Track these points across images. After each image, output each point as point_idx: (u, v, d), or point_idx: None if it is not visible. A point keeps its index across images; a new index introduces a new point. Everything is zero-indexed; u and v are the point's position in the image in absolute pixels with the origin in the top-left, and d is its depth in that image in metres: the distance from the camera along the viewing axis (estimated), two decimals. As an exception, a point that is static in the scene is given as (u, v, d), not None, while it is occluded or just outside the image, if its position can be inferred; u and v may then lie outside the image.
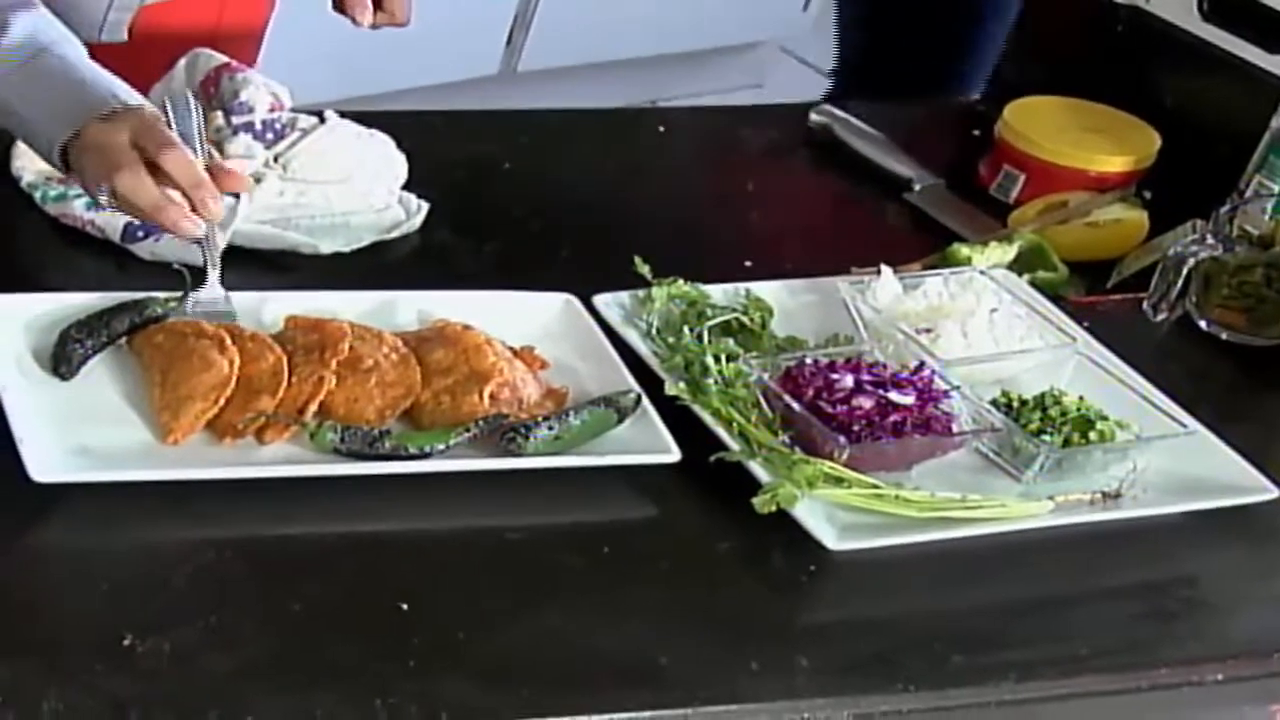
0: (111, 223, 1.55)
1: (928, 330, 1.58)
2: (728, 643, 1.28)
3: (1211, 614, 1.43)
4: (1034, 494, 1.45)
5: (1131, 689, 1.35)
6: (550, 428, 1.39)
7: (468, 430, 1.38)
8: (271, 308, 1.48)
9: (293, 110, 1.65)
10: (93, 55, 1.53)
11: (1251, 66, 1.95)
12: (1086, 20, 2.10)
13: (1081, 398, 1.54)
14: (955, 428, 1.47)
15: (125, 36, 1.75)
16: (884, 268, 1.64)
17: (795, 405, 1.44)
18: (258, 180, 1.60)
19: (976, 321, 1.59)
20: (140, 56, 1.69)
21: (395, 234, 1.67)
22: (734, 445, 1.42)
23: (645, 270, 1.59)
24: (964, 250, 1.75)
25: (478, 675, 1.21)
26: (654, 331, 1.55)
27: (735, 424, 1.43)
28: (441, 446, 1.36)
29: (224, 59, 1.67)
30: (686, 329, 1.53)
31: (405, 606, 1.25)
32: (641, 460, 1.40)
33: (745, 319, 1.57)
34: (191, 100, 1.51)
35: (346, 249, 1.63)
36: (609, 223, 1.79)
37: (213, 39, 1.74)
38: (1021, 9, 2.22)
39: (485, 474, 1.37)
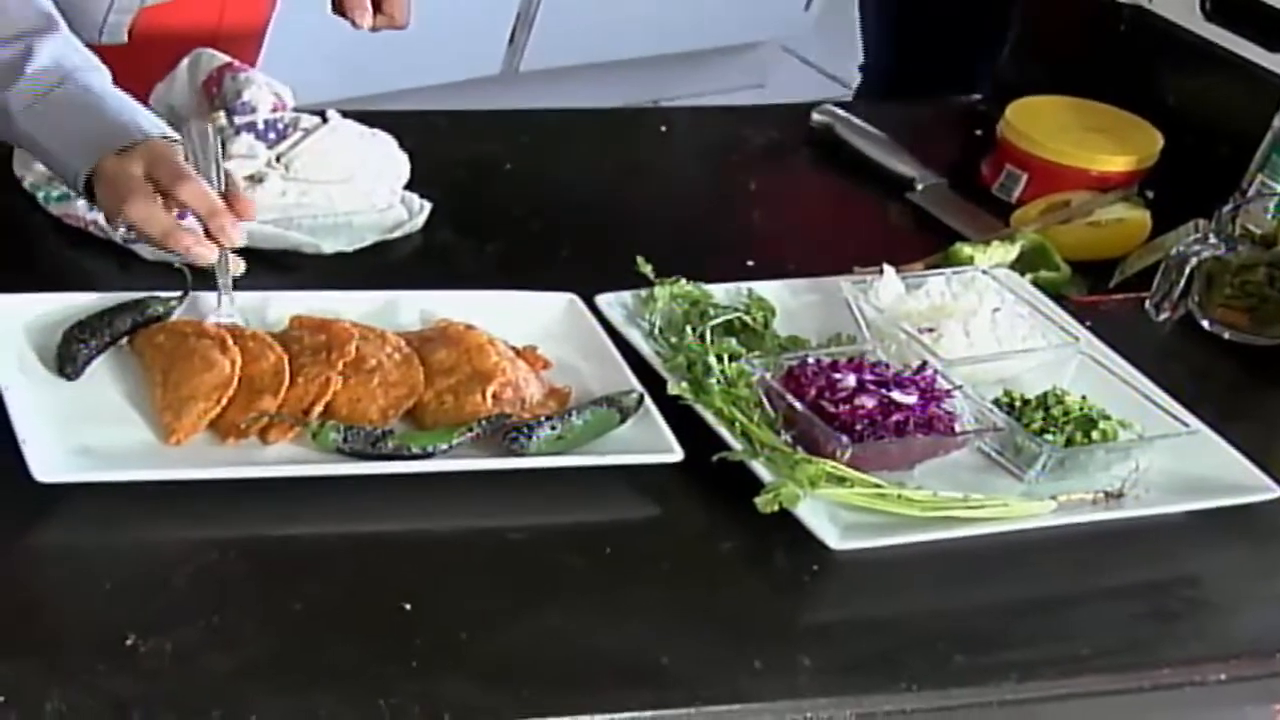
0: (114, 223, 1.55)
1: (930, 330, 1.58)
2: (730, 642, 1.28)
3: (1214, 614, 1.43)
4: (1036, 493, 1.45)
5: (1134, 689, 1.35)
6: (553, 427, 1.39)
7: (470, 430, 1.38)
8: (274, 308, 1.48)
9: (295, 110, 1.65)
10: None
11: (1254, 66, 1.95)
12: (1089, 20, 2.10)
13: (1084, 397, 1.54)
14: (958, 427, 1.46)
15: (125, 38, 1.75)
16: (886, 267, 1.64)
17: (798, 405, 1.44)
18: (260, 180, 1.61)
19: (979, 321, 1.59)
20: (141, 58, 1.69)
21: (398, 234, 1.67)
22: (736, 445, 1.42)
23: (647, 270, 1.59)
24: (966, 250, 1.75)
25: (480, 675, 1.21)
26: (656, 331, 1.55)
27: (738, 423, 1.43)
28: (444, 446, 1.36)
29: (226, 59, 1.67)
30: (689, 328, 1.53)
31: (407, 606, 1.25)
32: (644, 460, 1.40)
33: (747, 318, 1.57)
34: (209, 130, 1.51)
35: (349, 249, 1.63)
36: (611, 222, 1.79)
37: (213, 39, 1.74)
38: (1023, 8, 2.22)
39: (487, 474, 1.37)
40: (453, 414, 1.40)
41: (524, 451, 1.37)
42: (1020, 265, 1.76)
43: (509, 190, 1.82)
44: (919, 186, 1.94)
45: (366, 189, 1.67)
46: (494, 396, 1.41)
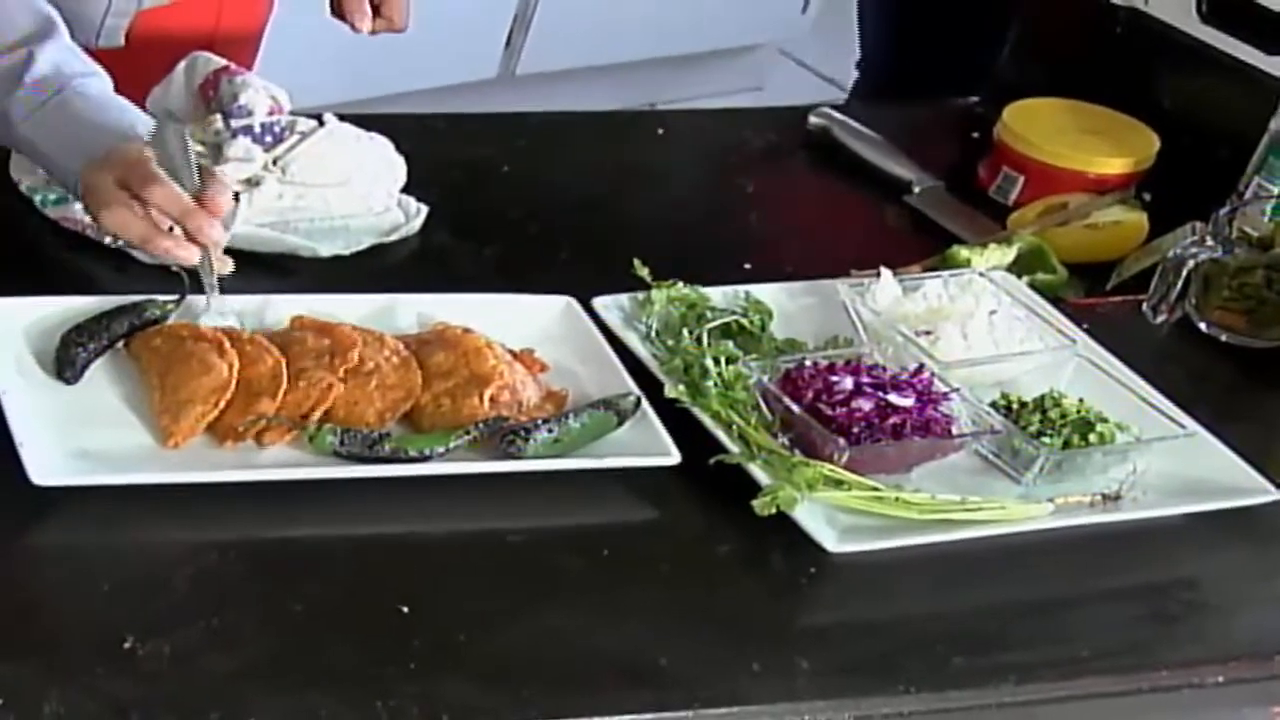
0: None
1: (927, 332, 1.58)
2: (728, 644, 1.28)
3: (1212, 616, 1.43)
4: (1034, 496, 1.45)
5: (1132, 691, 1.35)
6: (550, 430, 1.39)
7: (468, 433, 1.38)
8: (271, 311, 1.48)
9: (292, 113, 1.65)
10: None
11: (1250, 68, 1.95)
12: (1085, 22, 2.10)
13: (1081, 400, 1.54)
14: (955, 430, 1.47)
15: (122, 42, 1.75)
16: (883, 270, 1.64)
17: (795, 407, 1.44)
18: (256, 183, 1.60)
19: (976, 324, 1.59)
20: (138, 61, 1.69)
21: (394, 237, 1.67)
22: (734, 448, 1.42)
23: (645, 273, 1.59)
24: (963, 252, 1.75)
25: (478, 677, 1.21)
26: (653, 334, 1.55)
27: (735, 426, 1.43)
28: (441, 449, 1.36)
29: (223, 62, 1.66)
30: (686, 331, 1.53)
31: (406, 608, 1.25)
32: (641, 463, 1.40)
33: (745, 321, 1.57)
34: (181, 130, 1.50)
35: (346, 252, 1.63)
36: (608, 225, 1.79)
37: (210, 43, 1.74)
38: (1021, 10, 2.22)
39: (485, 476, 1.37)
40: (450, 417, 1.40)
41: (522, 454, 1.37)
42: (1017, 268, 1.76)
43: (506, 193, 1.82)
44: (916, 189, 1.94)
45: (363, 192, 1.67)
46: (491, 399, 1.41)
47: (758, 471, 1.39)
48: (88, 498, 1.28)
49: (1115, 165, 1.94)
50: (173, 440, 1.34)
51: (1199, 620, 1.42)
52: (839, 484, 1.39)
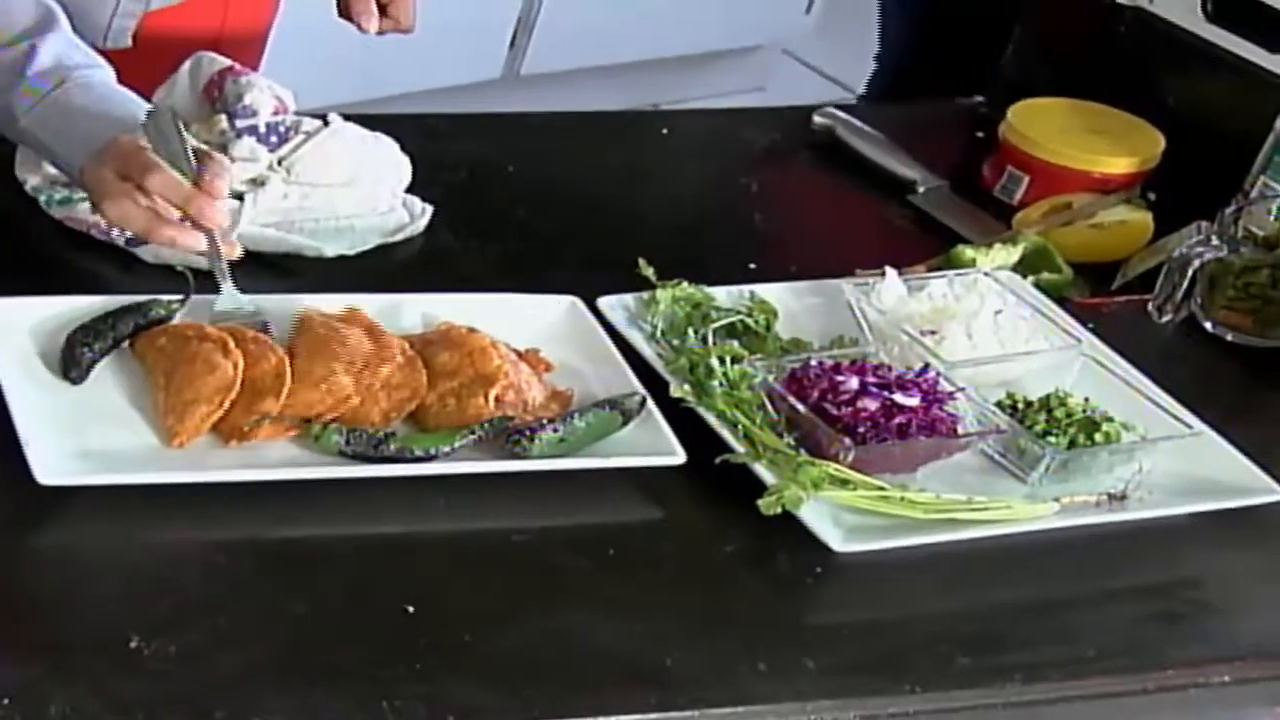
0: (116, 226, 1.55)
1: (932, 332, 1.58)
2: (733, 644, 1.28)
3: (1218, 616, 1.43)
4: (1039, 496, 1.45)
5: (1137, 691, 1.35)
6: (555, 430, 1.39)
7: (473, 433, 1.38)
8: (276, 312, 1.48)
9: (297, 113, 1.65)
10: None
11: (1255, 67, 1.95)
12: (1090, 21, 2.10)
13: (1087, 399, 1.54)
14: (960, 429, 1.46)
15: (130, 43, 1.75)
16: (888, 270, 1.64)
17: (800, 407, 1.44)
18: (261, 184, 1.61)
19: (981, 323, 1.59)
20: (146, 62, 1.69)
21: (399, 237, 1.67)
22: (739, 447, 1.42)
23: (649, 273, 1.59)
24: (968, 252, 1.75)
25: (483, 676, 1.21)
26: (658, 334, 1.55)
27: (740, 426, 1.43)
28: (446, 449, 1.36)
29: (228, 62, 1.66)
30: (691, 331, 1.53)
31: (411, 608, 1.25)
32: (646, 462, 1.40)
33: (750, 321, 1.57)
34: (174, 117, 1.50)
35: (351, 252, 1.63)
36: (613, 225, 1.79)
37: (217, 43, 1.74)
38: (1024, 10, 2.22)
39: (490, 476, 1.37)
40: (455, 417, 1.40)
41: (526, 454, 1.37)
42: (1022, 267, 1.76)
43: (510, 193, 1.82)
44: (920, 189, 1.94)
45: (368, 192, 1.67)
46: (497, 399, 1.41)
47: (763, 471, 1.39)
48: (93, 497, 1.28)
49: (1120, 165, 1.94)
50: (178, 440, 1.34)
51: (1205, 620, 1.42)
52: (844, 483, 1.39)
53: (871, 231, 1.91)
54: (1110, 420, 1.51)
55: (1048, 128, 1.96)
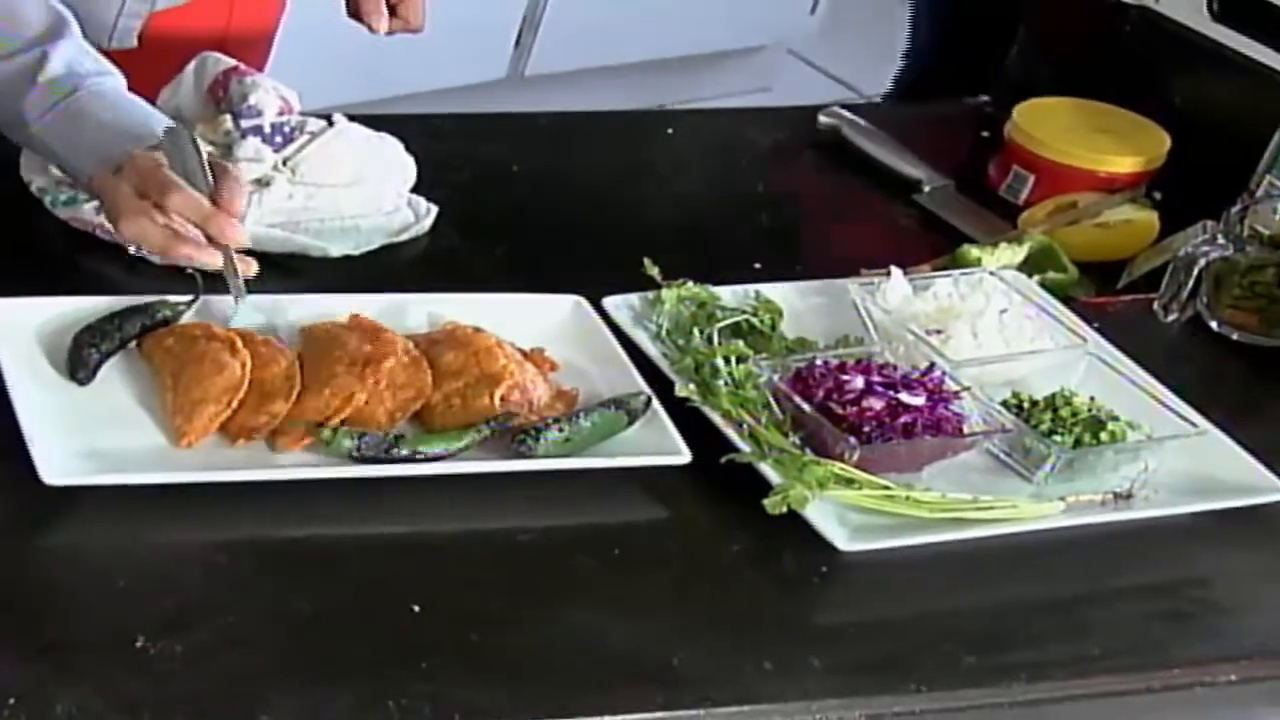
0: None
1: (938, 331, 1.58)
2: (739, 643, 1.28)
3: (1224, 614, 1.43)
4: (1045, 495, 1.45)
5: (1143, 690, 1.35)
6: (561, 430, 1.39)
7: (478, 432, 1.38)
8: (281, 312, 1.48)
9: (301, 113, 1.65)
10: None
11: (1261, 67, 1.94)
12: (1095, 20, 2.10)
13: (1092, 398, 1.54)
14: (966, 429, 1.46)
15: (135, 43, 1.75)
16: (894, 269, 1.64)
17: (805, 406, 1.44)
18: (266, 184, 1.61)
19: (986, 322, 1.59)
20: (151, 62, 1.69)
21: (404, 237, 1.68)
22: (744, 447, 1.42)
23: (655, 272, 1.59)
24: (974, 251, 1.75)
25: (489, 676, 1.21)
26: (664, 333, 1.55)
27: (746, 425, 1.43)
28: (454, 449, 1.36)
29: (232, 62, 1.67)
30: (696, 331, 1.53)
31: (417, 608, 1.25)
32: (652, 462, 1.40)
33: (755, 321, 1.57)
34: (192, 134, 1.51)
35: (356, 252, 1.63)
36: (618, 225, 1.79)
37: (222, 43, 1.74)
38: (1029, 9, 2.21)
39: (496, 476, 1.37)
40: (461, 416, 1.40)
41: (532, 454, 1.37)
42: (1028, 267, 1.76)
43: (515, 193, 1.82)
44: (926, 188, 1.94)
45: (373, 192, 1.67)
46: (502, 399, 1.41)
47: (769, 470, 1.39)
48: (100, 497, 1.28)
49: (1126, 164, 1.94)
50: (185, 440, 1.34)
51: (1211, 619, 1.42)
52: (850, 483, 1.39)
53: (877, 231, 1.91)
54: (1116, 419, 1.51)
55: (1053, 127, 1.96)
